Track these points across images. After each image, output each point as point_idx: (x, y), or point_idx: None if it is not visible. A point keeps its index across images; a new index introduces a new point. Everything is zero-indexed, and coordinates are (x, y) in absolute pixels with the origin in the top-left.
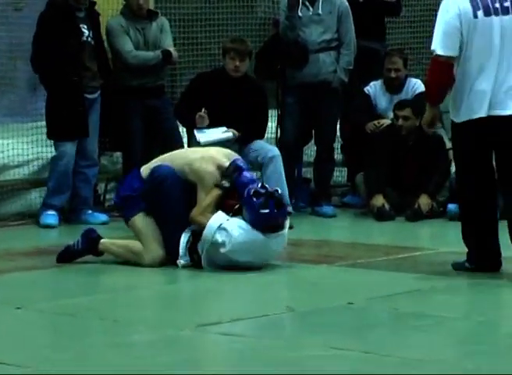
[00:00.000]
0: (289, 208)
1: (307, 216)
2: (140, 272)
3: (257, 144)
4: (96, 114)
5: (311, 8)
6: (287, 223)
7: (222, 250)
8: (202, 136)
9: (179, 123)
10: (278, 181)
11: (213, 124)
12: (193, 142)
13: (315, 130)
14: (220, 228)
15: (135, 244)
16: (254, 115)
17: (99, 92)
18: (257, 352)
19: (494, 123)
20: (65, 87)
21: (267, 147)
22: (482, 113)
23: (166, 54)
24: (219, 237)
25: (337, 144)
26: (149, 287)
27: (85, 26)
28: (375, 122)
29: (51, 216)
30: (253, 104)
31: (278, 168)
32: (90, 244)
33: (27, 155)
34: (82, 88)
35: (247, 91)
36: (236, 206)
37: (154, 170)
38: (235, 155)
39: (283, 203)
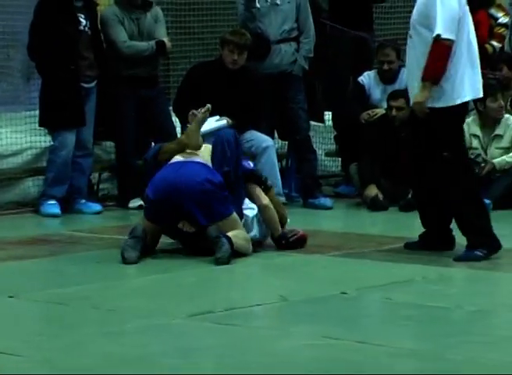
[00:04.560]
0: (283, 199)
1: (300, 207)
2: None
3: (251, 134)
4: (92, 103)
5: None
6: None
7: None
8: None
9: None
10: (271, 171)
11: (209, 115)
12: None
13: (288, 121)
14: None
15: None
16: (249, 105)
17: (95, 82)
18: (249, 341)
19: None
20: (61, 75)
21: (261, 137)
22: (473, 95)
23: (160, 44)
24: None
25: (331, 134)
26: (141, 276)
27: (82, 16)
28: (369, 111)
29: (53, 206)
30: (248, 94)
31: (271, 158)
32: None
33: (21, 144)
34: (79, 77)
35: (243, 82)
36: None
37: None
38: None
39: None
